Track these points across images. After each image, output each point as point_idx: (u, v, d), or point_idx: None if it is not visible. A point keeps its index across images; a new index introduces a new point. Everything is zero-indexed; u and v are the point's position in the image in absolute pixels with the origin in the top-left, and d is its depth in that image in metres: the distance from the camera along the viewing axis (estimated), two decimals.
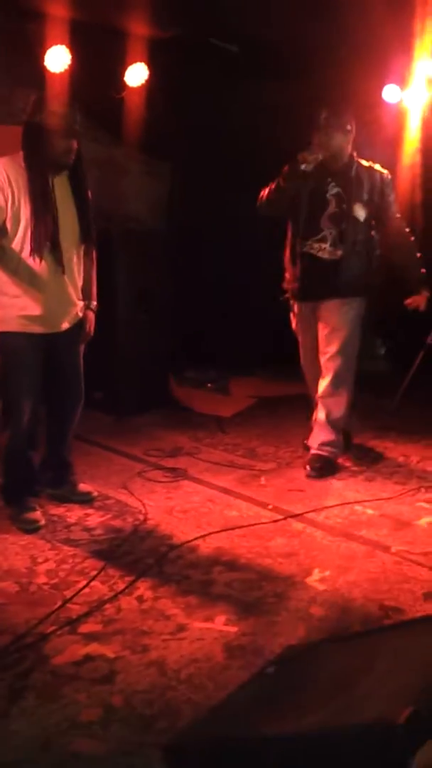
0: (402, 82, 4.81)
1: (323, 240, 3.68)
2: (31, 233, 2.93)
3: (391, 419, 4.69)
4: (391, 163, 6.00)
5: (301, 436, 4.28)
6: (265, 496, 3.50)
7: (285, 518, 3.23)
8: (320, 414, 3.82)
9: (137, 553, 2.88)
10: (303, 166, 3.49)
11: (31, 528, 3.04)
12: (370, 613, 2.47)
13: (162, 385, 4.95)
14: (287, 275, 3.84)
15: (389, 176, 3.78)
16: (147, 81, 4.82)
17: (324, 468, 3.76)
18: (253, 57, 4.87)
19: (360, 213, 3.66)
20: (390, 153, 5.83)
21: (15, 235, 2.94)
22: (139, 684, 2.07)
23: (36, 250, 2.94)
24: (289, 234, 3.79)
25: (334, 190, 3.66)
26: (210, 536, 3.04)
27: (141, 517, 3.21)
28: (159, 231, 5.25)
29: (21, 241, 2.94)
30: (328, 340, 3.75)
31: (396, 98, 4.86)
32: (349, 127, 3.62)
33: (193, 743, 1.67)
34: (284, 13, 4.25)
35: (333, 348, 3.73)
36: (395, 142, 5.50)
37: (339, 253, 3.66)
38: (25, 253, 2.95)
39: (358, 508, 3.37)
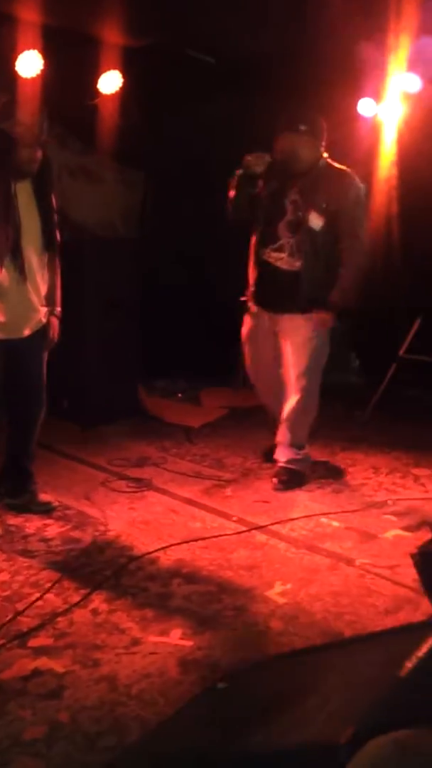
0: (377, 96, 4.83)
1: (281, 249, 3.56)
2: None
3: (361, 431, 4.66)
4: (367, 176, 6.04)
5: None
6: (230, 507, 3.45)
7: (249, 530, 3.18)
8: (287, 435, 3.72)
9: (95, 565, 2.81)
10: (250, 171, 3.44)
11: None
12: (331, 627, 2.42)
13: (130, 395, 4.88)
14: (249, 280, 3.75)
15: (358, 183, 3.59)
16: (121, 89, 4.79)
17: (291, 480, 3.70)
18: (229, 69, 4.87)
19: (316, 222, 3.49)
20: (366, 166, 5.88)
21: None
22: (88, 700, 2.01)
23: None
24: (252, 239, 3.69)
25: (294, 197, 3.52)
26: (171, 548, 2.97)
27: (101, 528, 3.14)
28: (130, 239, 5.21)
29: None
30: (295, 358, 3.62)
31: (371, 112, 4.88)
32: (303, 128, 3.48)
33: (137, 762, 1.61)
34: (261, 27, 4.26)
35: (300, 368, 3.61)
36: (371, 156, 5.53)
37: (298, 264, 3.53)
38: None
39: (323, 520, 3.32)
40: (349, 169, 3.61)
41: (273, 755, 1.37)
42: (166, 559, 2.88)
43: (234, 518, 3.31)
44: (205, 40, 4.68)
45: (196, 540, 3.06)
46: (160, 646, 2.28)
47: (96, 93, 4.79)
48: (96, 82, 4.76)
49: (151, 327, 5.14)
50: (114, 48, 4.64)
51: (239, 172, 3.52)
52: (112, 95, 4.84)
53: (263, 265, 3.64)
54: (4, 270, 2.94)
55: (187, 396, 5.30)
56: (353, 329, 6.71)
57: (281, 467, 3.75)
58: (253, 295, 3.73)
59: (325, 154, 3.61)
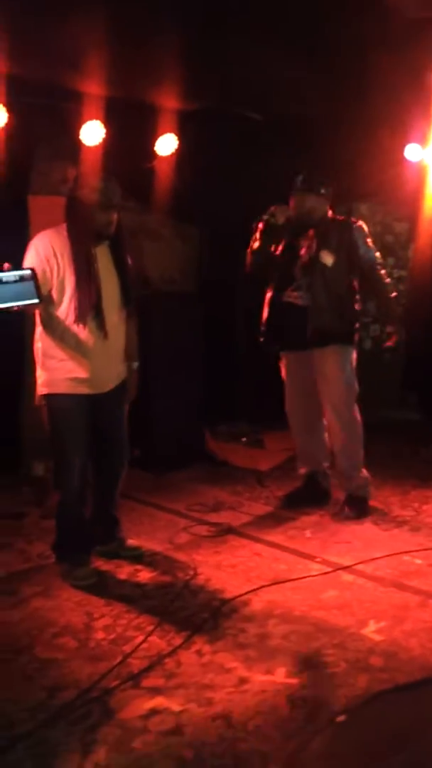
0: (423, 141, 5.00)
1: (299, 288, 3.90)
2: (77, 302, 3.05)
3: (429, 467, 4.70)
4: (413, 218, 6.17)
5: (339, 489, 4.33)
6: (311, 548, 3.51)
7: (334, 570, 3.24)
8: (343, 464, 3.96)
9: (191, 608, 2.89)
10: (273, 219, 3.82)
11: (85, 584, 3.07)
12: (430, 662, 2.46)
13: (198, 441, 5.01)
14: (263, 328, 4.05)
15: (360, 224, 3.99)
16: (176, 150, 5.04)
17: (362, 509, 3.87)
18: (276, 126, 5.08)
19: (327, 259, 3.84)
20: (412, 206, 6.03)
21: (60, 303, 3.07)
22: (208, 736, 2.07)
23: (80, 317, 3.06)
24: (269, 289, 4.03)
25: (307, 243, 3.91)
26: (261, 590, 3.04)
27: (191, 572, 3.23)
28: (191, 292, 5.39)
29: (66, 308, 3.07)
30: (324, 392, 3.91)
31: (417, 156, 5.04)
32: (323, 191, 3.92)
33: None
34: (307, 85, 4.46)
35: (330, 400, 3.90)
36: (417, 197, 5.69)
37: (313, 299, 3.85)
38: (70, 320, 3.07)
39: (406, 558, 3.36)
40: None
41: None
42: (258, 601, 2.95)
43: (318, 559, 3.37)
44: (255, 100, 4.91)
45: (284, 581, 3.12)
46: (267, 685, 2.34)
47: (153, 155, 5.04)
48: (153, 146, 5.01)
49: (213, 374, 5.29)
50: (169, 112, 4.90)
51: (264, 219, 3.87)
52: (168, 156, 5.09)
53: (283, 306, 3.95)
54: (87, 329, 3.09)
55: (251, 440, 5.40)
56: (408, 365, 6.80)
57: (349, 496, 3.95)
58: (278, 338, 4.02)
59: (330, 212, 4.02)
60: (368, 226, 6.72)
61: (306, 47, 3.88)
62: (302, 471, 4.16)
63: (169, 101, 4.81)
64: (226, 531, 3.75)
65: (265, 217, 3.87)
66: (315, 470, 4.12)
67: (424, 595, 2.96)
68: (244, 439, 5.40)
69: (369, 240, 4.00)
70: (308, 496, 4.10)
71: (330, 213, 4.01)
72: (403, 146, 5.04)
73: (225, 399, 5.64)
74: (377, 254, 4.03)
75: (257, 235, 3.91)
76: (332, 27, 3.61)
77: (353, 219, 4.08)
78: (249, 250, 3.98)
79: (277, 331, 3.99)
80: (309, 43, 3.82)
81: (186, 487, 4.49)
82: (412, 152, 5.04)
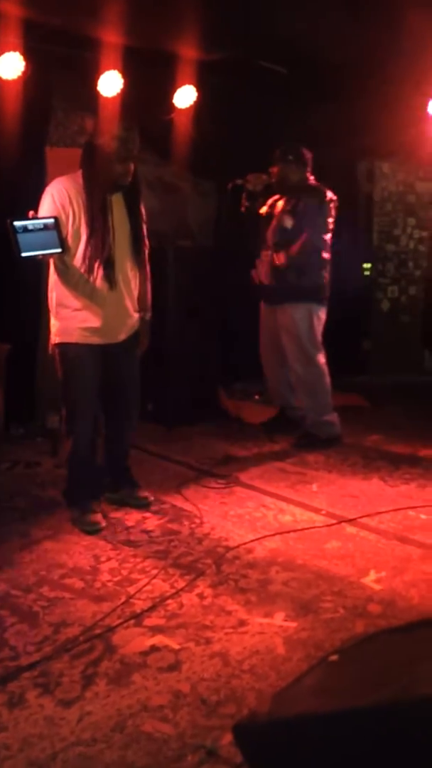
0: None
1: (268, 248, 4.38)
2: (89, 252, 3.06)
3: None
4: None
5: (348, 446, 4.37)
6: (317, 501, 3.56)
7: (338, 522, 3.28)
8: (304, 403, 4.47)
9: (195, 554, 2.96)
10: (249, 186, 4.34)
11: (93, 529, 3.14)
12: (429, 611, 2.50)
13: (211, 397, 5.05)
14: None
15: (326, 196, 4.27)
16: (195, 102, 4.98)
17: (308, 443, 4.37)
18: (302, 78, 4.99)
19: (288, 222, 4.30)
20: None
21: (76, 251, 3.07)
22: (205, 673, 2.14)
23: (91, 268, 3.07)
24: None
25: (282, 207, 4.37)
26: (265, 539, 3.10)
27: (197, 521, 3.29)
28: (208, 248, 5.37)
29: (81, 258, 3.07)
30: (284, 345, 4.41)
31: None
32: (291, 158, 4.34)
33: (264, 722, 1.73)
34: (335, 36, 4.36)
35: (290, 352, 4.39)
36: None
37: (281, 259, 4.28)
38: (84, 270, 3.08)
39: (411, 513, 3.40)
40: (320, 185, 4.37)
41: (400, 711, 1.47)
42: (262, 549, 3.01)
43: (323, 511, 3.42)
44: (278, 50, 4.81)
45: (288, 532, 3.18)
46: (266, 627, 2.40)
47: (172, 107, 4.99)
48: (172, 97, 4.96)
49: (228, 331, 5.30)
50: (189, 63, 4.82)
51: (237, 183, 4.41)
52: (187, 109, 5.04)
53: (260, 266, 4.44)
54: (100, 278, 3.10)
55: (265, 398, 5.41)
56: (426, 324, 6.75)
57: (304, 431, 4.47)
58: (259, 294, 4.57)
59: (311, 177, 4.41)
60: (390, 186, 6.69)
61: None
62: (275, 405, 4.75)
63: (189, 51, 4.74)
64: (234, 483, 3.80)
65: (239, 182, 4.38)
66: (283, 405, 4.68)
67: (426, 548, 3.00)
68: (257, 397, 5.43)
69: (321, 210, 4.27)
70: (280, 426, 4.66)
71: (311, 180, 4.39)
72: (427, 103, 4.93)
73: (240, 357, 5.65)
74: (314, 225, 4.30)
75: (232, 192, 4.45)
76: None
77: (319, 187, 4.35)
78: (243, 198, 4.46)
79: (256, 286, 4.50)
80: None
81: (197, 441, 4.55)
82: None
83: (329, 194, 4.28)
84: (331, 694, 1.76)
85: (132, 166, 3.13)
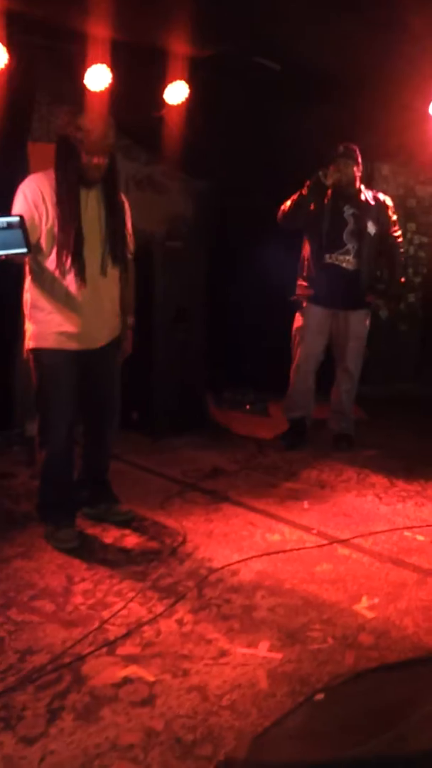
0: None
1: (347, 253, 4.27)
2: (57, 249, 2.86)
3: None
4: None
5: (343, 460, 4.20)
6: (308, 520, 3.37)
7: (330, 543, 3.10)
8: (344, 405, 4.50)
9: (176, 576, 2.76)
10: (324, 179, 4.10)
11: (68, 547, 2.94)
12: (423, 642, 2.33)
13: (199, 406, 4.85)
14: (304, 282, 4.37)
15: (389, 201, 4.44)
16: (187, 99, 4.80)
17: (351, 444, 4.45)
18: (296, 77, 4.83)
19: (372, 229, 4.29)
20: None
21: (50, 252, 2.87)
22: (181, 708, 1.96)
23: (62, 260, 2.86)
24: (309, 247, 4.34)
25: (350, 211, 4.28)
26: (252, 560, 2.91)
27: (179, 539, 3.10)
28: (197, 249, 5.19)
29: (55, 258, 2.88)
30: (348, 347, 4.39)
31: None
32: (360, 160, 4.26)
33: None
34: (332, 34, 4.20)
35: (351, 355, 4.41)
36: None
37: (359, 265, 4.28)
38: (59, 271, 2.89)
39: (407, 533, 3.22)
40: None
41: (388, 764, 1.29)
42: (248, 572, 2.82)
43: (314, 531, 3.23)
44: (272, 47, 4.65)
45: (276, 552, 2.99)
46: (248, 658, 2.21)
47: (162, 104, 4.81)
48: (162, 93, 4.78)
49: (217, 338, 5.12)
50: (180, 59, 4.65)
51: (308, 182, 4.15)
52: (178, 106, 4.86)
53: (329, 268, 4.27)
54: (76, 280, 2.88)
55: (256, 408, 5.24)
56: (426, 333, 6.58)
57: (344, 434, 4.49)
58: (317, 297, 4.33)
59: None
60: (390, 189, 6.51)
61: None
62: (295, 415, 4.51)
63: (180, 46, 4.56)
64: (220, 499, 3.61)
65: (320, 173, 4.13)
66: (304, 416, 4.51)
67: (423, 573, 2.83)
68: (248, 407, 5.25)
69: (395, 217, 4.44)
70: (300, 438, 4.49)
71: (362, 186, 4.36)
72: (428, 105, 4.78)
73: (230, 365, 5.47)
74: (400, 232, 4.49)
75: (305, 190, 4.16)
76: None
77: (382, 195, 4.44)
78: (290, 200, 4.21)
79: (319, 288, 4.29)
80: None
81: (183, 453, 4.34)
82: None
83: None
84: (314, 739, 1.58)
85: (103, 160, 2.91)
